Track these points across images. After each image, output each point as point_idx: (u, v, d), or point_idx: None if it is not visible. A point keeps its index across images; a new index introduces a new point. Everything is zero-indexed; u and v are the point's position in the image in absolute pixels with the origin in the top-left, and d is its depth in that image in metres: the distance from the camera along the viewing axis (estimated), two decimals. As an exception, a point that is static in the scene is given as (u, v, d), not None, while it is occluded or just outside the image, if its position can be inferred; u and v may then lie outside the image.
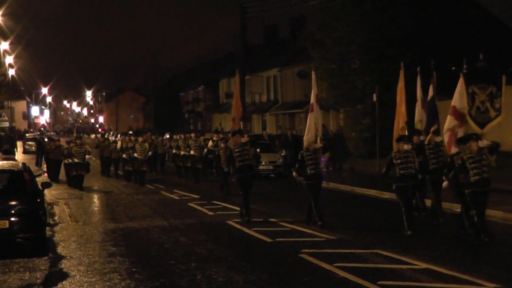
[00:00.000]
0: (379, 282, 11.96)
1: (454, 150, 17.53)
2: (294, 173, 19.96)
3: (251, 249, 15.96)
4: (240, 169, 20.22)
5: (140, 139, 34.75)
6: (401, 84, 20.16)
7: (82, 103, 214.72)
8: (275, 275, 13.01)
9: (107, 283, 12.66)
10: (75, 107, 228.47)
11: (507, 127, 34.08)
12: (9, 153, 28.30)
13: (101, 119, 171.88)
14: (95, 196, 29.47)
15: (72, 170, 32.08)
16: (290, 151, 38.12)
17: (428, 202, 20.10)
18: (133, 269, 13.81)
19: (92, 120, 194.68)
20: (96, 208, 25.57)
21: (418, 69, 20.92)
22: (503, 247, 15.60)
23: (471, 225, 16.36)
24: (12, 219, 15.44)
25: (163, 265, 14.15)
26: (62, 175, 35.72)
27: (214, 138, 35.55)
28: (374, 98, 34.11)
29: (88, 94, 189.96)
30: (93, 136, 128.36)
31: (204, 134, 45.00)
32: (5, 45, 72.32)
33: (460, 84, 18.40)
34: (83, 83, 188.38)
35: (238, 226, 19.15)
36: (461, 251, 14.84)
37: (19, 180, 16.22)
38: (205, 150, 34.72)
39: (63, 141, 38.72)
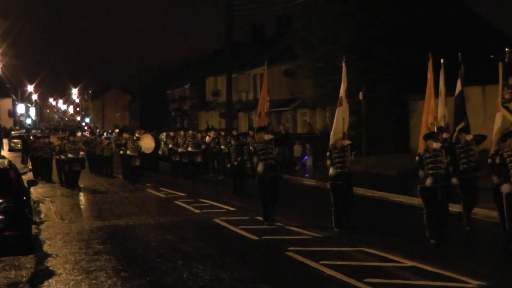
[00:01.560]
0: (365, 280, 11.98)
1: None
2: (330, 170, 17.88)
3: (237, 247, 15.94)
4: (262, 168, 18.88)
5: (134, 136, 34.28)
6: (430, 76, 17.68)
7: (68, 101, 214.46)
8: (262, 273, 13.02)
9: (93, 281, 12.63)
10: (61, 105, 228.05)
11: (490, 124, 34.31)
12: None
13: (87, 119, 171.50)
14: (82, 194, 29.38)
15: (66, 166, 31.43)
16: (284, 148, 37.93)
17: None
18: (120, 267, 13.79)
19: (78, 118, 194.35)
20: (82, 206, 25.48)
21: (442, 61, 19.01)
22: (487, 244, 15.66)
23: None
24: (-2, 217, 15.41)
25: (150, 263, 14.14)
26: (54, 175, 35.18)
27: (211, 135, 35.90)
28: (360, 96, 34.17)
29: (74, 92, 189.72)
30: (79, 134, 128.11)
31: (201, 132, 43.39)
32: (-10, 43, 72.17)
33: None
34: (69, 81, 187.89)
35: (224, 224, 19.14)
36: (445, 249, 14.87)
37: (5, 178, 16.15)
38: (203, 146, 34.46)
39: (53, 139, 38.67)
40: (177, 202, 24.69)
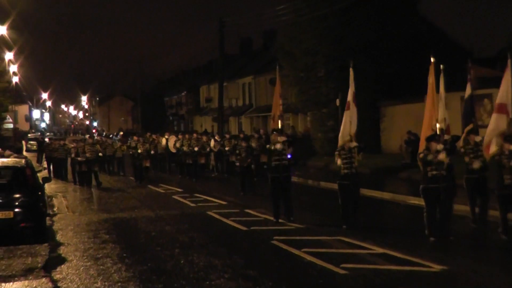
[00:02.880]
0: (341, 265, 12.03)
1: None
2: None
3: (228, 237, 15.95)
4: (275, 169, 17.79)
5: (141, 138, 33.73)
6: (431, 80, 16.36)
7: (78, 107, 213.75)
8: (250, 260, 13.04)
9: (101, 267, 12.64)
10: (72, 110, 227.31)
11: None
12: (20, 152, 28.02)
13: (95, 123, 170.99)
14: (90, 189, 29.31)
15: (78, 166, 30.80)
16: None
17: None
18: (124, 255, 13.80)
19: (87, 122, 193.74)
20: (90, 201, 25.45)
21: (442, 67, 17.55)
22: (461, 237, 15.71)
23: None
24: (16, 210, 15.43)
25: (150, 251, 14.15)
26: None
27: (217, 138, 35.22)
28: (338, 103, 34.19)
29: (84, 98, 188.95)
30: (87, 136, 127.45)
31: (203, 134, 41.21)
32: (9, 55, 72.00)
33: (506, 75, 15.92)
34: (78, 88, 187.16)
35: (217, 216, 19.14)
36: (413, 238, 14.93)
37: (22, 175, 16.22)
38: (207, 149, 33.57)
39: (68, 141, 38.55)
40: (175, 197, 24.69)
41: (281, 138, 17.99)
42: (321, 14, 39.45)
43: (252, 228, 16.80)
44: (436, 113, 15.86)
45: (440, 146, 14.53)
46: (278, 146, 17.72)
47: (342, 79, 38.62)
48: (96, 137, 51.03)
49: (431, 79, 16.37)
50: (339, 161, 16.70)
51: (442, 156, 14.39)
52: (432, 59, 16.44)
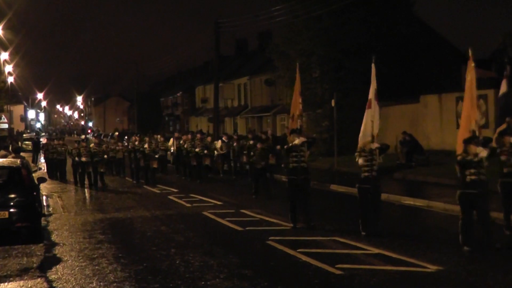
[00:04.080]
0: (336, 266, 12.02)
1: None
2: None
3: (224, 237, 15.94)
4: (293, 171, 16.83)
5: (147, 139, 32.35)
6: (469, 77, 14.84)
7: (74, 107, 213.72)
8: (245, 260, 13.02)
9: (96, 267, 12.61)
10: (67, 110, 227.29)
11: (446, 128, 34.51)
12: (18, 152, 27.69)
13: (90, 123, 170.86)
14: (85, 189, 29.27)
15: (86, 167, 29.74)
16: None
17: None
18: (119, 255, 13.77)
19: (82, 122, 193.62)
20: (86, 201, 25.43)
21: (473, 65, 15.35)
22: (444, 234, 15.72)
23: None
24: (11, 210, 15.38)
25: (146, 251, 14.12)
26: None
27: (224, 139, 34.17)
28: (333, 103, 34.20)
29: (79, 99, 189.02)
30: (83, 136, 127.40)
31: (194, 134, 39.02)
32: (5, 55, 72.09)
33: None
34: (74, 89, 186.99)
35: (212, 217, 19.12)
36: (408, 238, 14.93)
37: (17, 176, 16.17)
38: (216, 152, 32.88)
39: (68, 141, 38.16)
40: (170, 197, 24.66)
41: (301, 139, 17.07)
42: (316, 16, 39.50)
43: (247, 228, 16.78)
44: (475, 113, 14.35)
45: (479, 149, 13.28)
46: (297, 141, 16.83)
47: (337, 80, 38.83)
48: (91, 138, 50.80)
49: (469, 76, 14.93)
50: (360, 161, 15.67)
51: (483, 153, 13.24)
52: (470, 52, 14.87)
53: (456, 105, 33.91)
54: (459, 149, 13.84)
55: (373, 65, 16.96)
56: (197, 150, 31.23)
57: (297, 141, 16.89)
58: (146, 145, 31.12)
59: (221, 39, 51.75)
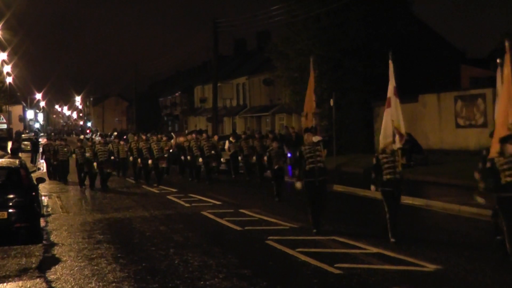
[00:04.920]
0: (335, 265, 12.01)
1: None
2: (372, 187, 15.23)
3: (223, 236, 15.94)
4: (309, 173, 15.76)
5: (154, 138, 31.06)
6: (506, 71, 13.26)
7: (72, 107, 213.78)
8: (244, 259, 13.02)
9: (95, 267, 12.60)
10: (66, 110, 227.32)
11: (445, 128, 34.54)
12: (15, 153, 27.39)
13: (89, 123, 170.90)
14: (84, 190, 29.24)
15: (93, 168, 28.80)
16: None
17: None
18: (118, 255, 13.76)
19: (81, 123, 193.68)
20: (84, 201, 25.41)
21: (498, 61, 14.45)
22: (443, 233, 15.72)
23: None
24: (10, 210, 15.36)
25: (145, 251, 14.11)
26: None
27: (231, 139, 33.03)
28: (331, 103, 34.24)
29: (77, 99, 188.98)
30: (82, 137, 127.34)
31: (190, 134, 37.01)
32: (3, 56, 72.05)
33: None
34: (73, 89, 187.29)
35: (211, 216, 19.12)
36: (407, 237, 14.92)
37: (16, 176, 16.16)
38: (228, 151, 32.28)
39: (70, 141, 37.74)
40: (169, 197, 24.66)
41: (316, 138, 16.30)
42: (315, 15, 39.55)
43: (246, 228, 16.78)
44: None
45: None
46: (314, 139, 15.98)
47: (336, 80, 38.86)
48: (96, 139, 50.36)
49: (506, 70, 13.34)
50: (374, 160, 14.79)
51: None
52: (506, 45, 13.18)
53: (454, 104, 33.96)
54: (495, 148, 12.76)
55: (390, 62, 16.47)
56: (204, 149, 29.96)
57: (313, 138, 16.10)
58: (154, 144, 30.18)
59: (219, 39, 51.85)
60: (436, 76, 41.43)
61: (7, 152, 29.23)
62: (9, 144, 56.55)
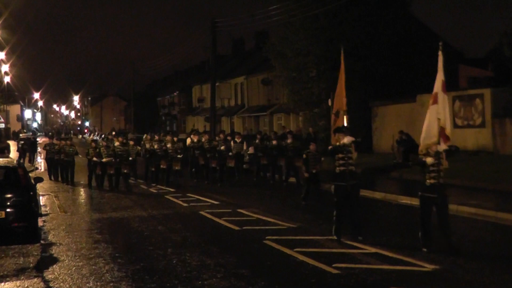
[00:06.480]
0: (333, 265, 12.01)
1: None
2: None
3: (221, 236, 15.93)
4: (340, 176, 14.75)
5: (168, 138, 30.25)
6: None
7: (70, 106, 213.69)
8: (242, 259, 13.01)
9: (93, 266, 12.59)
10: (64, 110, 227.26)
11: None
12: (3, 152, 27.08)
13: (87, 123, 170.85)
14: (82, 189, 29.24)
15: (108, 168, 28.14)
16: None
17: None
18: (116, 254, 13.75)
19: (79, 122, 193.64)
20: (82, 200, 25.41)
21: None
22: (441, 233, 15.73)
23: None
24: (8, 210, 15.34)
25: (143, 251, 14.10)
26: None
27: (236, 139, 31.48)
28: (329, 103, 34.26)
29: (75, 98, 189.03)
30: (80, 136, 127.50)
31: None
32: (1, 55, 72.00)
33: None
34: (71, 88, 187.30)
35: (209, 216, 19.12)
36: (405, 237, 14.93)
37: (14, 175, 16.16)
38: (246, 157, 31.40)
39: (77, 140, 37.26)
40: (167, 197, 24.65)
41: (348, 139, 14.98)
42: (313, 15, 39.54)
43: (244, 227, 16.78)
44: None
45: None
46: (346, 140, 14.89)
47: (334, 79, 38.85)
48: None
49: None
50: (429, 159, 13.36)
51: None
52: None
53: (452, 104, 33.97)
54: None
55: (440, 53, 14.35)
56: (222, 148, 29.37)
57: (345, 140, 14.92)
58: (169, 145, 29.23)
59: (218, 39, 51.86)
60: (434, 76, 41.41)
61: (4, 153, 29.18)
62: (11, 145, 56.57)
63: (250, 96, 67.62)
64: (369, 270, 11.69)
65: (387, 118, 38.42)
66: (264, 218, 18.35)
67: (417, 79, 39.87)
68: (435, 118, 13.63)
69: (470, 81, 42.14)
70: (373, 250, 13.46)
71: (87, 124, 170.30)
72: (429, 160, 13.30)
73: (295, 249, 13.60)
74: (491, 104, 31.14)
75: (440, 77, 14.15)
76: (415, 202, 20.48)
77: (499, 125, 31.30)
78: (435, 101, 13.83)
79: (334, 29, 39.22)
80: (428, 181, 13.31)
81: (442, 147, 13.42)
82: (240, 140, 31.61)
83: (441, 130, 13.56)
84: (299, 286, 11.07)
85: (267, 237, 15.14)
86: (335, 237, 14.55)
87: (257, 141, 30.99)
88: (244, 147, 31.78)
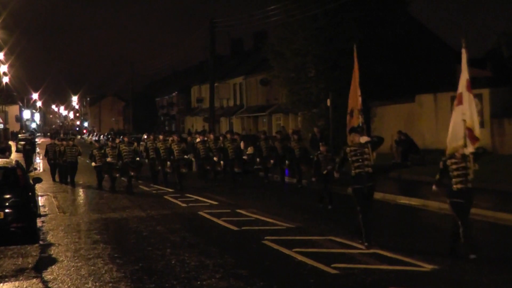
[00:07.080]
0: (332, 265, 12.01)
1: None
2: (434, 187, 13.46)
3: (220, 236, 15.93)
4: (357, 178, 14.28)
5: (175, 138, 28.84)
6: None
7: (69, 107, 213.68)
8: (241, 260, 13.01)
9: (92, 267, 12.59)
10: (63, 110, 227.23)
11: (442, 128, 34.54)
12: (3, 152, 27.12)
13: (85, 123, 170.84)
14: (81, 190, 29.25)
15: (114, 170, 27.46)
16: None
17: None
18: (115, 255, 13.75)
19: (78, 123, 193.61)
20: (81, 201, 25.41)
21: None
22: (439, 233, 15.74)
23: None
24: (7, 210, 15.35)
25: (141, 251, 14.10)
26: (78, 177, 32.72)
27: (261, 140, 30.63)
28: (328, 103, 34.21)
29: (74, 99, 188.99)
30: (79, 136, 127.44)
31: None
32: (-1, 56, 72.05)
33: None
34: (69, 89, 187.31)
35: (208, 216, 19.12)
36: (404, 237, 14.94)
37: (13, 176, 16.13)
38: (245, 157, 31.07)
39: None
40: (166, 197, 24.65)
41: (363, 139, 14.47)
42: (312, 15, 39.49)
43: (243, 228, 16.78)
44: None
45: None
46: (361, 140, 14.38)
47: (332, 80, 38.82)
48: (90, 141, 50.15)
49: None
50: (442, 163, 13.09)
51: None
52: None
53: (451, 104, 33.96)
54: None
55: (463, 50, 13.62)
56: (229, 149, 28.88)
57: (361, 139, 14.44)
58: (175, 145, 27.82)
59: (216, 39, 51.84)
60: (432, 76, 41.46)
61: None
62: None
63: (249, 96, 67.61)
64: (368, 270, 11.70)
65: (385, 118, 38.40)
66: (263, 218, 18.35)
67: (416, 80, 39.91)
68: (460, 120, 13.13)
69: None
70: (371, 250, 13.46)
71: (85, 124, 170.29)
72: (448, 162, 12.91)
73: (294, 249, 13.60)
74: (490, 104, 31.13)
75: (464, 76, 13.50)
76: (414, 202, 20.60)
77: (497, 125, 31.29)
78: (460, 102, 13.30)
79: (333, 29, 39.17)
80: (454, 186, 12.84)
81: (469, 149, 12.84)
82: (238, 140, 31.55)
83: (469, 131, 12.96)
84: (298, 286, 11.07)
85: (266, 238, 15.14)
86: (365, 243, 13.78)
87: (261, 142, 30.49)
88: (242, 147, 31.80)
